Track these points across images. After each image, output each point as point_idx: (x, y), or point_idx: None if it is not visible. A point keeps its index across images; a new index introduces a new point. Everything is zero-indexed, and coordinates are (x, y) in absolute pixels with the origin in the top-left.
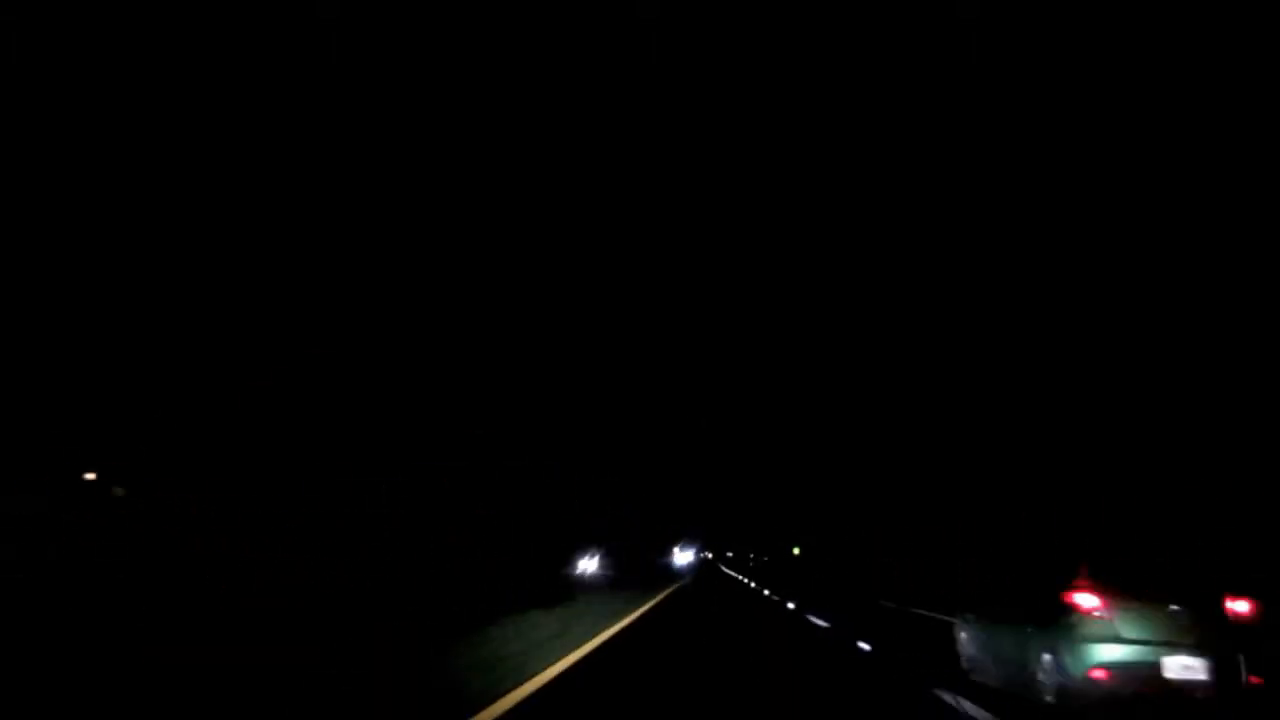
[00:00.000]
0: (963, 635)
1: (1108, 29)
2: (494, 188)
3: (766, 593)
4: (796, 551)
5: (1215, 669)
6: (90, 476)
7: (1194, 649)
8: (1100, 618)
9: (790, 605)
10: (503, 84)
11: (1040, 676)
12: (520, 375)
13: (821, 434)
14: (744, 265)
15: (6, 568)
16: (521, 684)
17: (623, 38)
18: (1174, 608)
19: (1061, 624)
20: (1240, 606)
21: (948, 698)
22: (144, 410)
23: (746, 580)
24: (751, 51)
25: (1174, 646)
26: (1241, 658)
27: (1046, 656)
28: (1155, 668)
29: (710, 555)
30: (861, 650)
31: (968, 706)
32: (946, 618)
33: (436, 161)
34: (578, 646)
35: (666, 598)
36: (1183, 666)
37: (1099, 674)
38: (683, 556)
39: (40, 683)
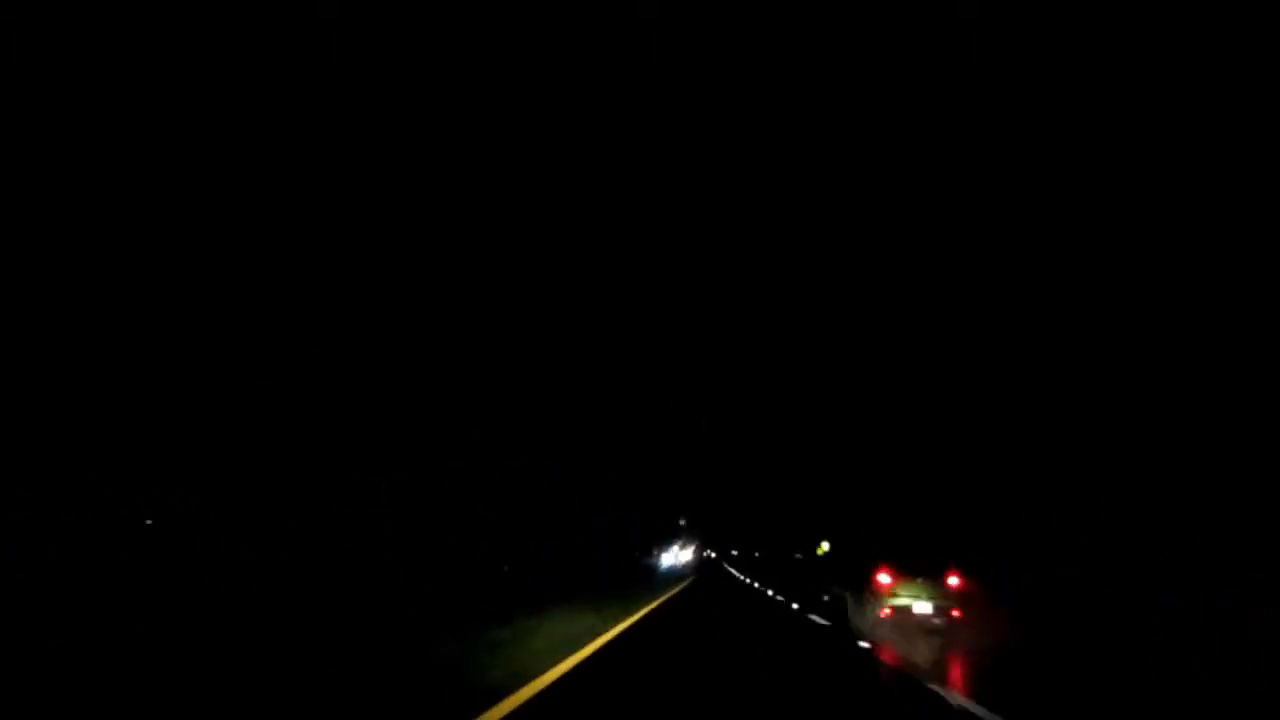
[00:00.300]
0: (849, 603)
1: (1108, 29)
2: (493, 187)
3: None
4: (826, 548)
5: (935, 608)
6: (92, 477)
7: (927, 600)
8: (889, 586)
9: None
10: (503, 84)
11: (865, 616)
12: (520, 375)
13: (825, 431)
14: (745, 264)
15: (7, 567)
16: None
17: (623, 38)
18: (921, 579)
19: (871, 589)
20: (953, 580)
21: (943, 693)
22: (144, 409)
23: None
24: (751, 51)
25: (920, 598)
26: (950, 602)
27: (869, 607)
28: (910, 608)
29: (714, 554)
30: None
31: (960, 700)
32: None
33: (436, 161)
34: None
35: None
36: (922, 607)
37: (886, 612)
38: (674, 556)
39: (40, 683)
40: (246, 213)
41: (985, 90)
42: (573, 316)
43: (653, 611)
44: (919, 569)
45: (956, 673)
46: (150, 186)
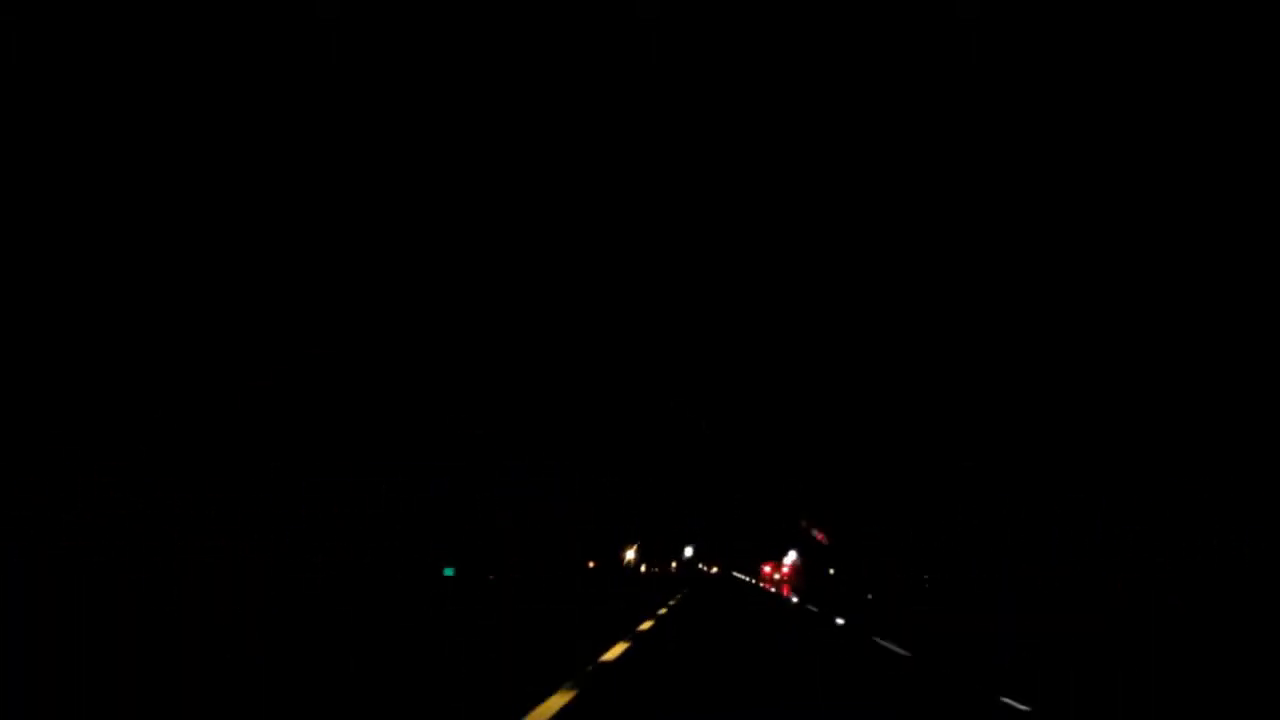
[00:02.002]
0: (757, 576)
1: (1108, 29)
2: (493, 187)
3: None
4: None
5: (780, 575)
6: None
7: (778, 574)
8: (770, 571)
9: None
10: (503, 84)
11: (761, 579)
12: (520, 375)
13: (828, 434)
14: (746, 265)
15: (8, 566)
16: None
17: (623, 38)
18: (775, 566)
19: (762, 570)
20: (785, 568)
21: (882, 642)
22: (144, 409)
23: None
24: (751, 51)
25: (776, 574)
26: (783, 574)
27: (760, 575)
28: (773, 575)
29: (703, 567)
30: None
31: (893, 647)
32: None
33: (436, 161)
34: None
35: None
36: (776, 575)
37: (766, 577)
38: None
39: (35, 681)
40: (246, 213)
41: (985, 90)
42: (573, 317)
43: None
44: (775, 564)
45: (785, 591)
46: (150, 186)
